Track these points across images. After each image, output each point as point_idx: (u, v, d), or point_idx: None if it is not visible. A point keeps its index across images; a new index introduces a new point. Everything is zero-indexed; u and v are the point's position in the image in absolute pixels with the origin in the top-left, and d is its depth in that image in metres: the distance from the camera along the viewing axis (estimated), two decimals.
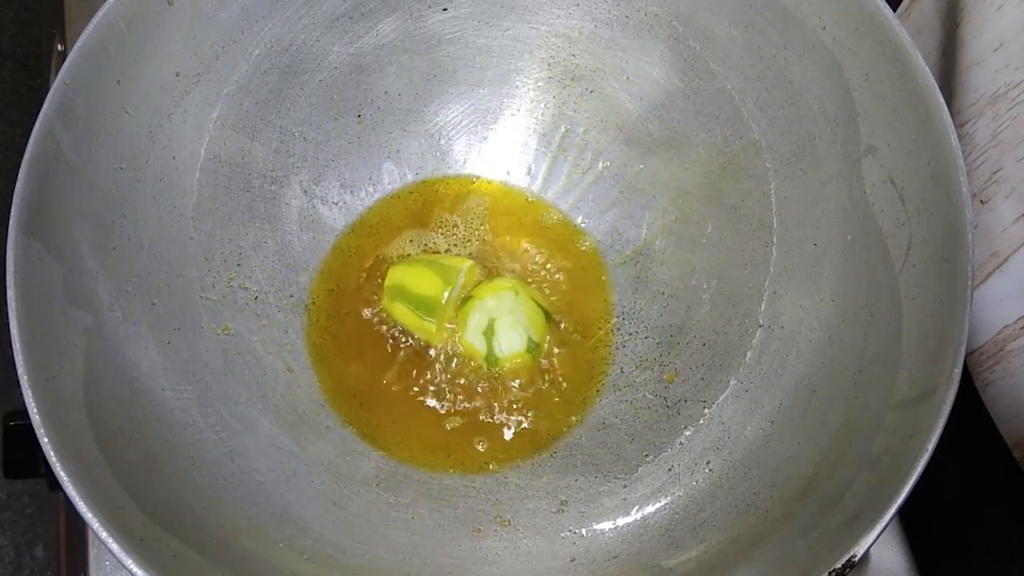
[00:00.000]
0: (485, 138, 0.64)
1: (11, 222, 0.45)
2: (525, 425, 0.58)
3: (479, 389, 0.59)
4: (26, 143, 0.46)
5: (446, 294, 0.60)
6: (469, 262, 0.61)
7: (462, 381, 0.59)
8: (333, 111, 0.61)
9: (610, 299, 0.62)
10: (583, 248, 0.63)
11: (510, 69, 0.63)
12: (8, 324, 0.43)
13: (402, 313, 0.59)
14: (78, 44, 0.48)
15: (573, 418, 0.58)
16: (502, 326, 0.58)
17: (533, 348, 0.59)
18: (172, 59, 0.53)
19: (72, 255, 0.48)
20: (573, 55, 0.62)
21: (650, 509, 0.54)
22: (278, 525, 0.50)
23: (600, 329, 0.61)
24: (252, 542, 0.49)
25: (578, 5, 0.60)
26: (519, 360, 0.59)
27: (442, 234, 0.63)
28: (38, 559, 1.13)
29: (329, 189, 0.62)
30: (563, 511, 0.55)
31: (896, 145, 0.49)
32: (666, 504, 0.54)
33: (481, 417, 0.58)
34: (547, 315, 0.60)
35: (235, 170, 0.58)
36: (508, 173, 0.64)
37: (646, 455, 0.56)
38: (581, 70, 0.62)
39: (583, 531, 0.54)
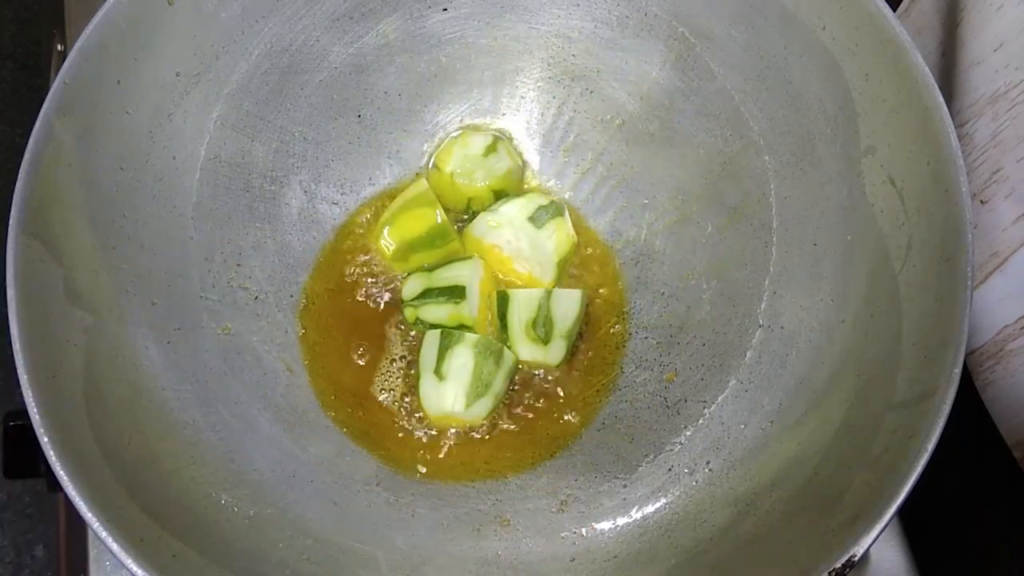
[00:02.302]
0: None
1: (11, 222, 0.45)
2: (524, 426, 0.58)
3: None
4: (26, 143, 0.46)
5: (439, 213, 0.60)
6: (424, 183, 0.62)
7: None
8: (333, 111, 0.61)
9: (610, 299, 0.62)
10: (584, 249, 0.63)
11: (510, 69, 0.63)
12: (8, 324, 0.43)
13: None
14: (78, 44, 0.48)
15: (573, 419, 0.58)
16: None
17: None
18: (172, 59, 0.53)
19: (72, 255, 0.48)
20: (573, 55, 0.62)
21: (650, 509, 0.54)
22: (278, 525, 0.50)
23: (600, 329, 0.61)
24: (252, 542, 0.49)
25: (578, 5, 0.60)
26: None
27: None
28: (38, 559, 1.13)
29: (329, 189, 0.62)
30: (563, 511, 0.55)
31: (896, 145, 0.49)
32: (666, 504, 0.54)
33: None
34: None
35: (235, 170, 0.58)
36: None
37: (646, 455, 0.56)
38: (581, 70, 0.62)
39: (583, 531, 0.54)
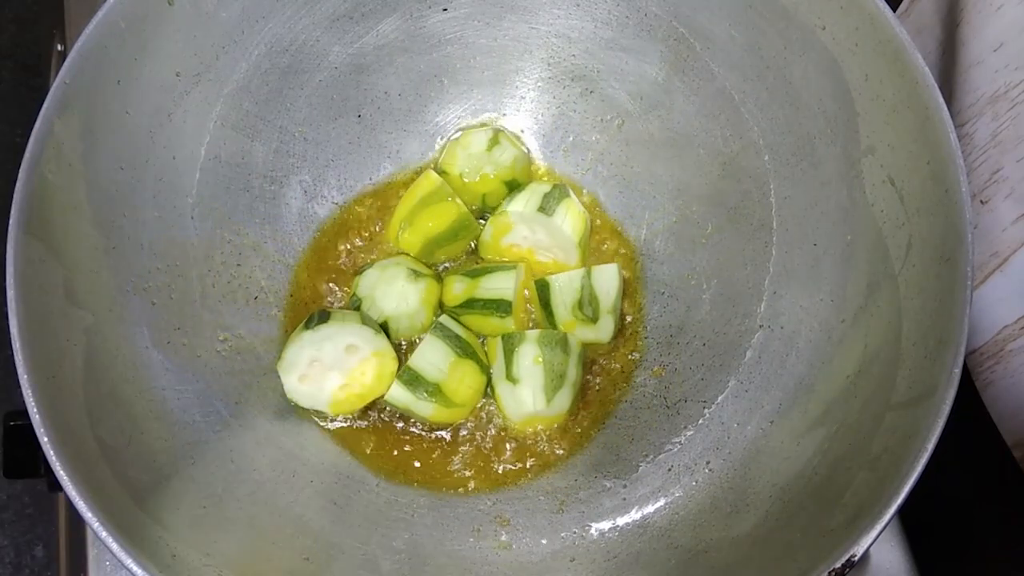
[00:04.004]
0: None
1: (11, 222, 0.45)
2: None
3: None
4: (26, 143, 0.46)
5: (459, 204, 0.60)
6: (435, 175, 0.61)
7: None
8: (333, 111, 0.61)
9: None
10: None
11: (510, 69, 0.63)
12: (8, 324, 0.43)
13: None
14: (78, 44, 0.48)
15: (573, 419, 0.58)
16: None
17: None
18: (172, 59, 0.53)
19: (72, 255, 0.48)
20: (573, 55, 0.62)
21: (650, 509, 0.54)
22: (278, 525, 0.50)
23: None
24: (252, 542, 0.49)
25: (578, 5, 0.60)
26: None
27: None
28: (38, 559, 1.13)
29: (329, 189, 0.62)
30: (563, 511, 0.55)
31: (896, 145, 0.49)
32: (666, 504, 0.54)
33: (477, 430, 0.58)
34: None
35: (235, 170, 0.58)
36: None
37: (646, 455, 0.56)
38: (581, 70, 0.62)
39: (583, 531, 0.54)
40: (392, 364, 0.56)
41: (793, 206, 0.56)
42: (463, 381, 0.56)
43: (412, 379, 0.55)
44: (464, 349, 0.56)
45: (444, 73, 0.63)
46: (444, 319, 0.57)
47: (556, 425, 0.57)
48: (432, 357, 0.55)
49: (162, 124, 0.53)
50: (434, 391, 0.55)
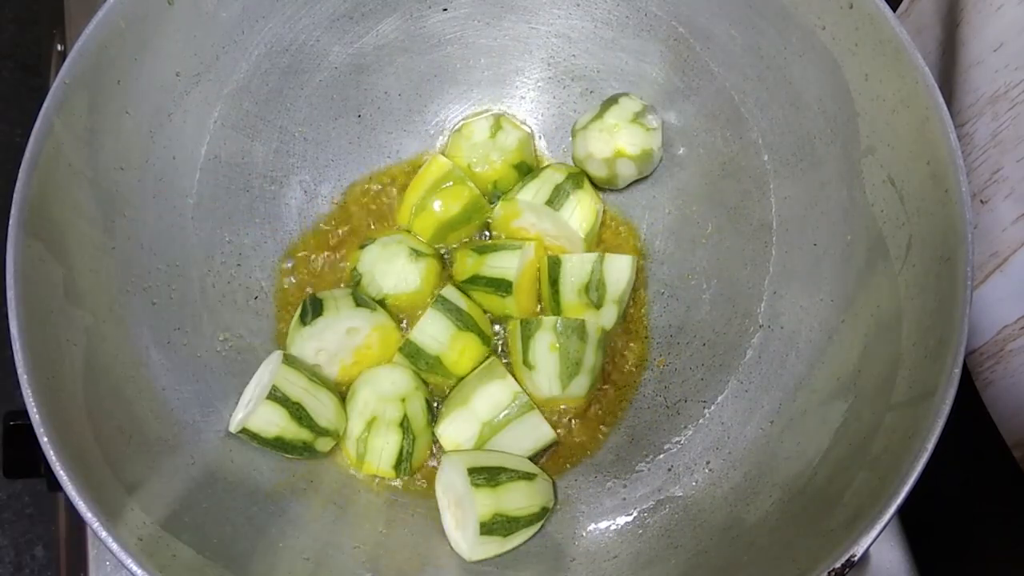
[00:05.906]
0: None
1: (11, 222, 0.45)
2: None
3: None
4: (26, 143, 0.46)
5: (471, 187, 0.60)
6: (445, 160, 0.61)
7: None
8: (333, 111, 0.61)
9: None
10: None
11: (510, 69, 0.63)
12: (8, 324, 0.43)
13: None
14: (78, 44, 0.48)
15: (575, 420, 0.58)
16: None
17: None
18: (172, 59, 0.53)
19: (72, 255, 0.48)
20: (573, 55, 0.62)
21: (650, 509, 0.54)
22: (278, 525, 0.50)
23: (599, 330, 0.61)
24: (252, 541, 0.49)
25: (578, 5, 0.60)
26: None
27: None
28: (38, 559, 1.13)
29: (329, 189, 0.62)
30: (563, 511, 0.55)
31: (896, 145, 0.49)
32: (666, 504, 0.54)
33: None
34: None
35: (235, 170, 0.58)
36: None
37: (646, 455, 0.56)
38: (581, 70, 0.62)
39: (583, 531, 0.54)
40: (395, 332, 0.57)
41: (793, 206, 0.56)
42: (464, 353, 0.56)
43: (413, 352, 0.56)
44: (465, 322, 0.56)
45: (444, 73, 0.63)
46: (447, 292, 0.57)
47: (574, 406, 0.58)
48: (432, 330, 0.56)
49: (162, 124, 0.53)
50: (434, 363, 0.56)
